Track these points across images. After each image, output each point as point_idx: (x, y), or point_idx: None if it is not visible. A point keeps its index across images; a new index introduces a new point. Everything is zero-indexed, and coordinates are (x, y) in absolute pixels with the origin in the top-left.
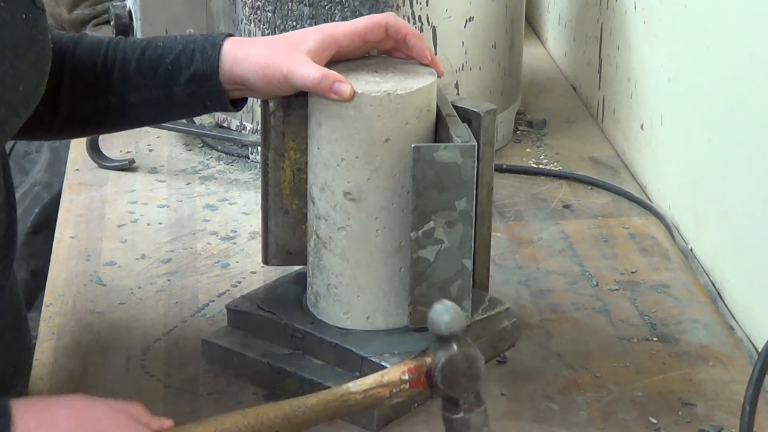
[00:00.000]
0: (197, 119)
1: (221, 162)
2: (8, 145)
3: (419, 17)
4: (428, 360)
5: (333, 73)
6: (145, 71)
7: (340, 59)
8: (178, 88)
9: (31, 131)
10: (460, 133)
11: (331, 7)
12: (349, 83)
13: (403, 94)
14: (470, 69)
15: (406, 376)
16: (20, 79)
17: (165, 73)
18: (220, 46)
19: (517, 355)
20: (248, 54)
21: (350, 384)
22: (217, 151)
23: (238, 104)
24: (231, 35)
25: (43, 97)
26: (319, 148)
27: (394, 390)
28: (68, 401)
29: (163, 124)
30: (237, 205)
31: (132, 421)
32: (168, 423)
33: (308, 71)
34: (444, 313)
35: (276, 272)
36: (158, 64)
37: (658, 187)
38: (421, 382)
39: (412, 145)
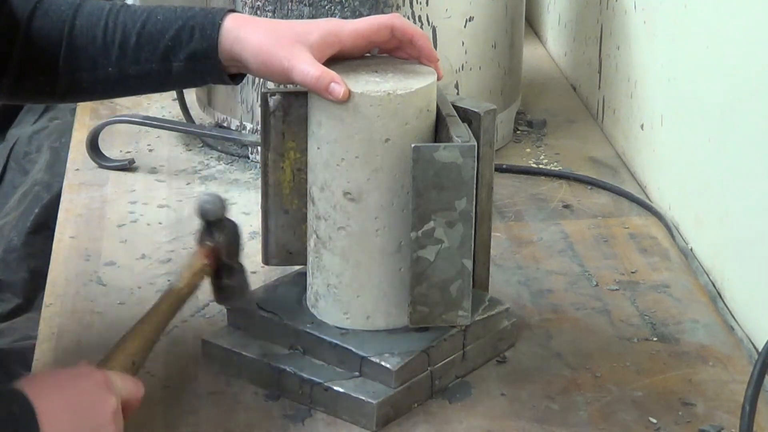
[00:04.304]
0: (197, 119)
1: (221, 162)
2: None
3: (419, 17)
4: (210, 243)
5: (331, 73)
6: (144, 45)
7: (342, 57)
8: (177, 64)
9: (35, 95)
10: (460, 133)
11: (331, 7)
12: (344, 85)
13: (403, 94)
14: (470, 69)
15: (206, 261)
16: None
17: (165, 48)
18: (220, 25)
19: (517, 355)
20: (250, 37)
21: (175, 282)
22: (217, 151)
23: (237, 78)
24: (233, 11)
25: (42, 67)
26: (319, 148)
27: (201, 275)
28: (78, 373)
29: (163, 124)
30: (237, 205)
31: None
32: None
33: (308, 69)
34: (211, 202)
35: (276, 272)
36: (158, 39)
37: (658, 187)
38: (213, 263)
39: (412, 145)
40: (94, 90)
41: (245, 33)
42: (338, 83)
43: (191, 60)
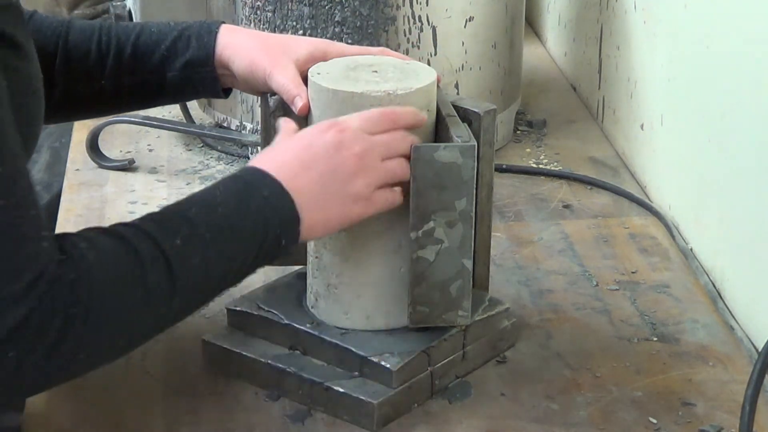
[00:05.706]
0: (197, 119)
1: (221, 162)
2: None
3: (419, 17)
4: None
5: (299, 88)
6: (140, 56)
7: None
8: (172, 73)
9: None
10: (460, 133)
11: (331, 7)
12: (304, 100)
13: (403, 94)
14: (470, 69)
15: None
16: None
17: (160, 58)
18: (216, 33)
19: (517, 355)
20: (240, 42)
21: None
22: (217, 151)
23: (226, 91)
24: (224, 22)
25: None
26: None
27: None
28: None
29: (163, 124)
30: None
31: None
32: None
33: (281, 79)
34: None
35: (276, 272)
36: (153, 50)
37: (658, 187)
38: None
39: (412, 145)
40: (86, 104)
41: (237, 39)
42: (300, 97)
43: (187, 68)
